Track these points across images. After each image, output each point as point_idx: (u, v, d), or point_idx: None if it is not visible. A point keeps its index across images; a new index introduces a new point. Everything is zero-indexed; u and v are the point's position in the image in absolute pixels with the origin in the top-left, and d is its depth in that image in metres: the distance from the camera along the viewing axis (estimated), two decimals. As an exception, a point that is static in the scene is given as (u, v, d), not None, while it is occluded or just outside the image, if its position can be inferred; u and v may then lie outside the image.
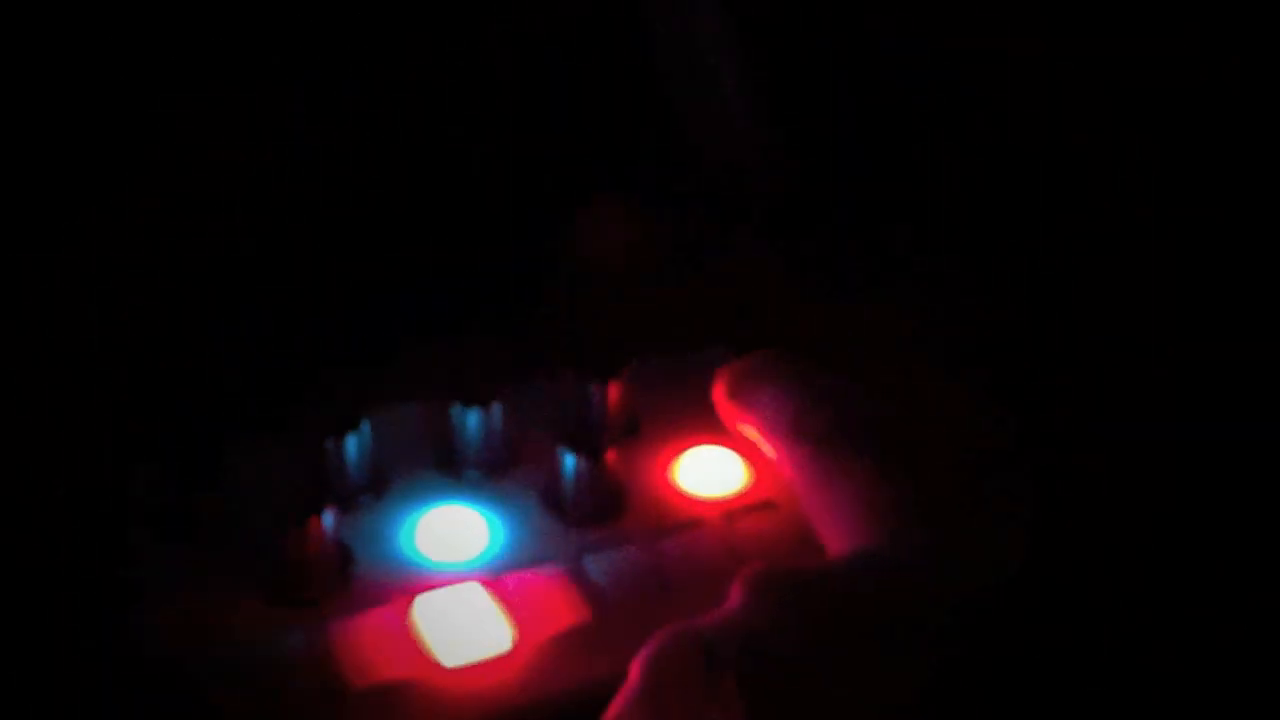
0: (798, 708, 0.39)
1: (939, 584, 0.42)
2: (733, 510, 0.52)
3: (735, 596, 0.42)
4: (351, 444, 0.51)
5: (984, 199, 0.82)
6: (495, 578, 0.48)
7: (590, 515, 0.51)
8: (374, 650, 0.46)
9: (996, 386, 0.72)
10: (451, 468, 0.53)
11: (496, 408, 0.53)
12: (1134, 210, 0.79)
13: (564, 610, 0.48)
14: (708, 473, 0.54)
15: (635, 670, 0.41)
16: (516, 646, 0.46)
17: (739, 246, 0.79)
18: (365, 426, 0.51)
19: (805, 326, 0.71)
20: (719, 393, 0.51)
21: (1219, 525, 0.66)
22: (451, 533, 0.50)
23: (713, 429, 0.53)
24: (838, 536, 0.44)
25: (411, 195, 0.74)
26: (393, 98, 0.75)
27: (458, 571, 0.49)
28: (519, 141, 0.78)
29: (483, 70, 0.78)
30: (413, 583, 0.48)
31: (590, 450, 0.51)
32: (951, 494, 0.45)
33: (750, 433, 0.50)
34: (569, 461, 0.51)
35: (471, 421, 0.53)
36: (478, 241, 0.71)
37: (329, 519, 0.47)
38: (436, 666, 0.45)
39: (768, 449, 0.49)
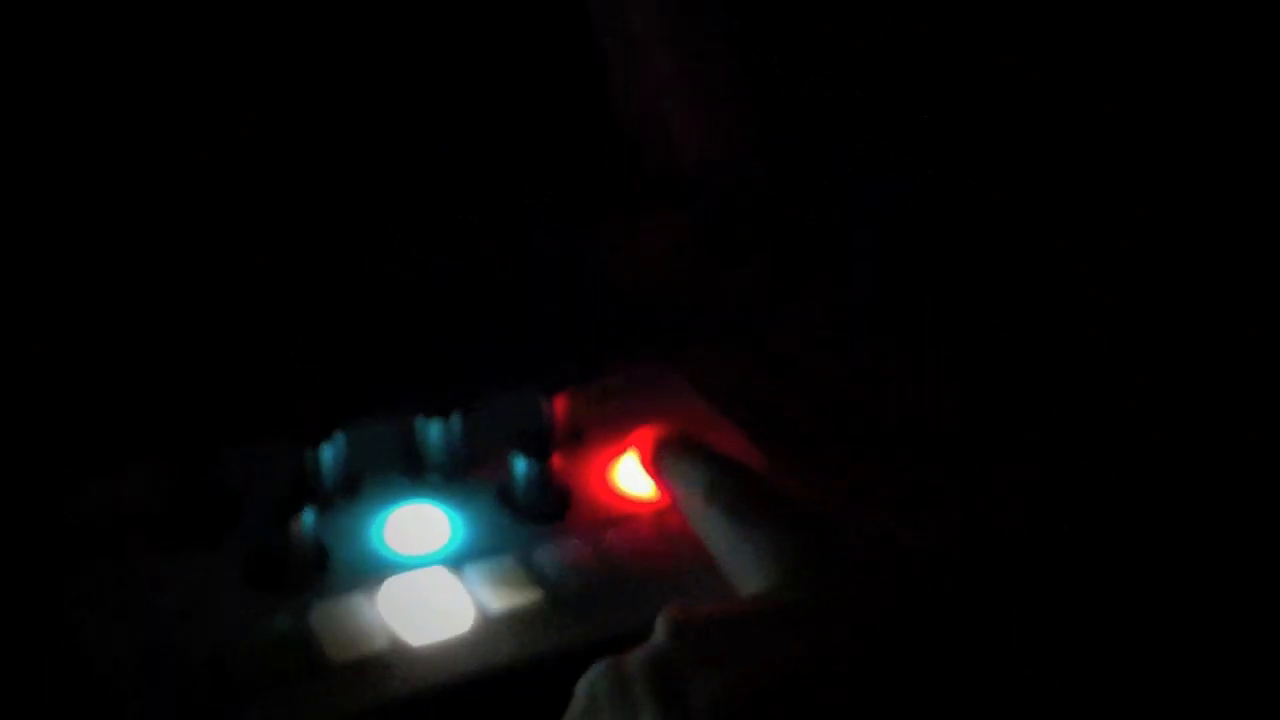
0: None
1: (829, 617, 0.45)
2: (662, 508, 0.59)
3: (657, 631, 0.46)
4: (327, 452, 0.57)
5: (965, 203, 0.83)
6: (456, 566, 0.55)
7: (540, 511, 0.58)
8: (348, 629, 0.52)
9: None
10: (416, 471, 0.60)
11: (456, 418, 0.60)
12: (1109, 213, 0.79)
13: (518, 593, 0.54)
14: (642, 475, 0.61)
15: (575, 691, 0.45)
16: (475, 625, 0.53)
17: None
18: (339, 437, 0.58)
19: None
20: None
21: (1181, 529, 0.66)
22: (417, 528, 0.57)
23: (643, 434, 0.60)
24: (744, 581, 0.50)
25: (379, 210, 0.79)
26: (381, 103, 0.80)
27: (422, 562, 0.55)
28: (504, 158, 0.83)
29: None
30: (381, 572, 0.55)
31: (540, 455, 0.58)
32: (832, 543, 0.49)
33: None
34: (521, 464, 0.58)
35: (434, 431, 0.59)
36: (446, 260, 0.76)
37: (309, 518, 0.54)
38: (405, 644, 0.52)
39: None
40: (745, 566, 0.50)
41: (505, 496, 0.59)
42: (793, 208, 0.86)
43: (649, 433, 0.59)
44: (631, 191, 0.84)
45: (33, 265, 0.71)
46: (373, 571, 0.55)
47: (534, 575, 0.55)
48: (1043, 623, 0.57)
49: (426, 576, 0.55)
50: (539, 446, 0.58)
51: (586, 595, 0.54)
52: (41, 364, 0.66)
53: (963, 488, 0.68)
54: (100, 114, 0.73)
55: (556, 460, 0.59)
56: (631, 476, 0.61)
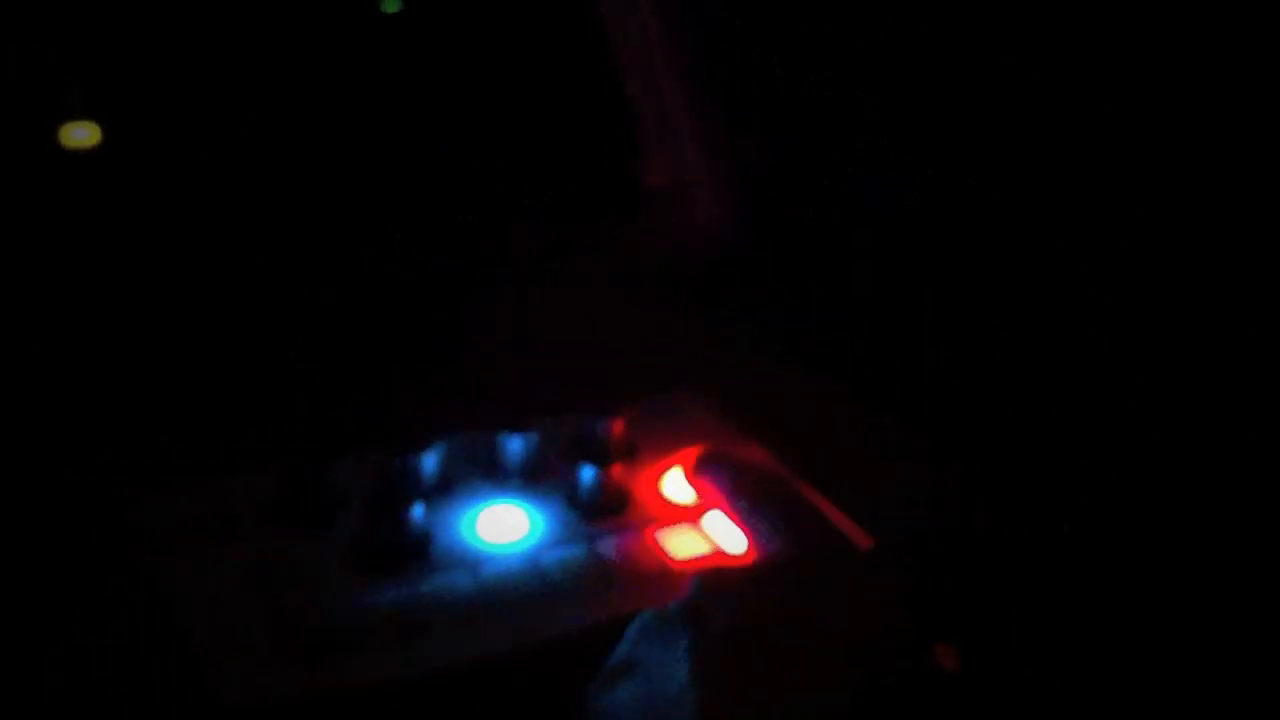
0: (733, 663, 0.56)
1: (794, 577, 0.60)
2: (700, 512, 0.71)
3: (691, 586, 0.60)
4: (429, 458, 0.70)
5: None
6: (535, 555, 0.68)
7: (601, 512, 0.71)
8: (451, 603, 0.64)
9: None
10: (500, 477, 0.72)
11: (533, 434, 0.72)
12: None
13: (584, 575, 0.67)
14: (684, 485, 0.73)
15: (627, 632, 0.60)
16: (549, 600, 0.65)
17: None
18: (439, 446, 0.70)
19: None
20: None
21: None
22: (501, 523, 0.69)
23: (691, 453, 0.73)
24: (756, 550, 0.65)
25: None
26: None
27: (507, 551, 0.68)
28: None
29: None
30: (474, 558, 0.67)
31: (602, 464, 0.70)
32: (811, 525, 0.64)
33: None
34: (587, 472, 0.70)
35: (514, 443, 0.72)
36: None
37: (419, 511, 0.66)
38: (496, 613, 0.64)
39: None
40: (755, 542, 0.64)
41: (572, 499, 0.71)
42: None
43: (691, 451, 0.72)
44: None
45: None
46: (466, 557, 0.67)
47: (598, 561, 0.68)
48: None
49: (512, 561, 0.67)
50: (601, 456, 0.71)
51: (640, 577, 0.67)
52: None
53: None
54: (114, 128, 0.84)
55: (615, 470, 0.71)
56: (676, 486, 0.73)
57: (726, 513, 0.68)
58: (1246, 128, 0.78)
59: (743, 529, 0.67)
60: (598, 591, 0.66)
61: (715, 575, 0.61)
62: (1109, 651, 0.64)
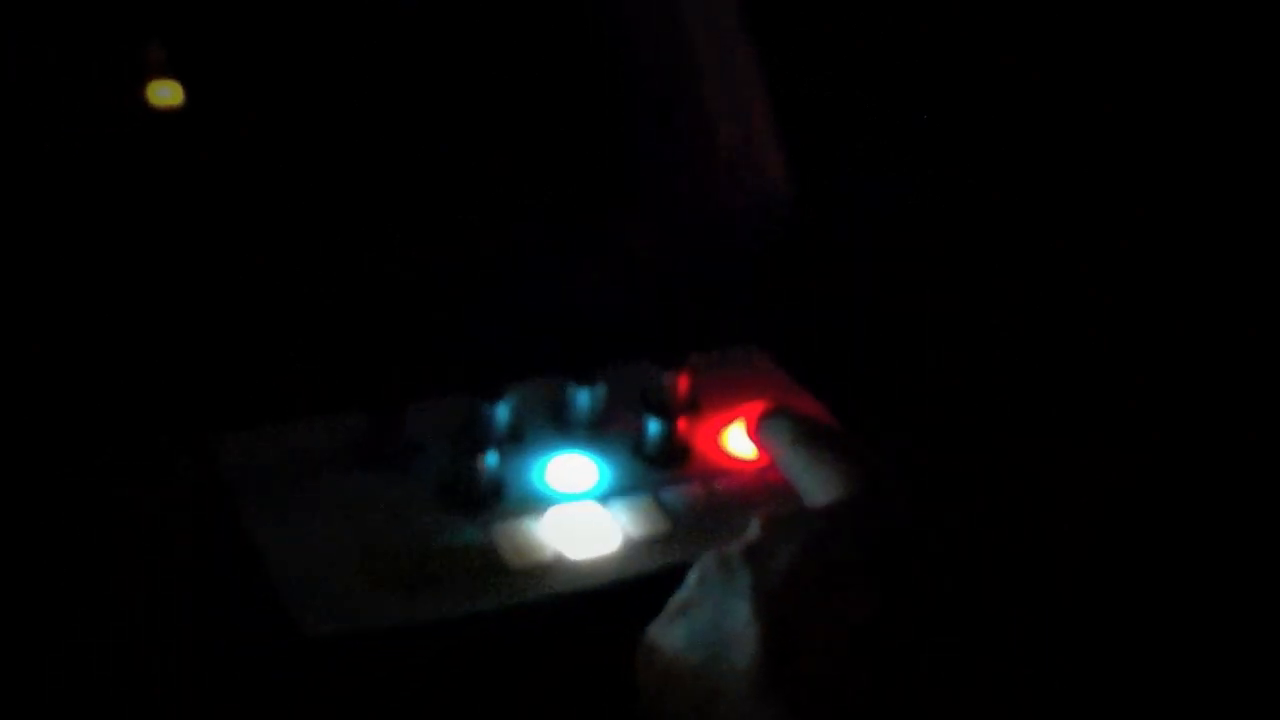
0: (791, 602, 0.58)
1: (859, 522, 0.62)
2: (760, 466, 0.74)
3: (751, 528, 0.62)
4: (502, 407, 0.73)
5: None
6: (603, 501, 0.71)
7: (666, 462, 0.74)
8: (522, 544, 0.68)
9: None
10: (568, 426, 0.75)
11: (600, 385, 0.75)
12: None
13: (651, 522, 0.70)
14: (744, 439, 0.76)
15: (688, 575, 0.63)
16: (618, 545, 0.68)
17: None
18: (510, 395, 0.74)
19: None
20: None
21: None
22: (571, 471, 0.72)
23: (750, 408, 0.76)
24: (814, 501, 0.66)
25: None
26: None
27: (576, 498, 0.71)
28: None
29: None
30: (545, 504, 0.70)
31: (667, 416, 0.73)
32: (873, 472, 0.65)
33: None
34: (653, 424, 0.73)
35: (582, 394, 0.75)
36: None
37: (493, 457, 0.70)
38: (565, 556, 0.67)
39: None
40: (816, 490, 0.66)
41: (639, 449, 0.74)
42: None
43: (754, 407, 0.75)
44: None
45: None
46: (538, 503, 0.70)
47: (662, 509, 0.71)
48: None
49: (581, 508, 0.70)
50: (666, 410, 0.74)
51: (702, 525, 0.70)
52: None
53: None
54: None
55: (680, 422, 0.74)
56: (737, 440, 0.76)
57: (784, 463, 0.71)
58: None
59: (798, 478, 0.69)
60: (660, 538, 0.69)
61: (774, 519, 0.63)
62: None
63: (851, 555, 0.60)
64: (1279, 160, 0.79)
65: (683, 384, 0.77)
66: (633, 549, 0.69)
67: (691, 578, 0.62)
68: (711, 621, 0.59)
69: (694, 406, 0.77)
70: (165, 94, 0.94)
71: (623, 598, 0.66)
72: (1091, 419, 0.78)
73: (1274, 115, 0.79)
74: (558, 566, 0.67)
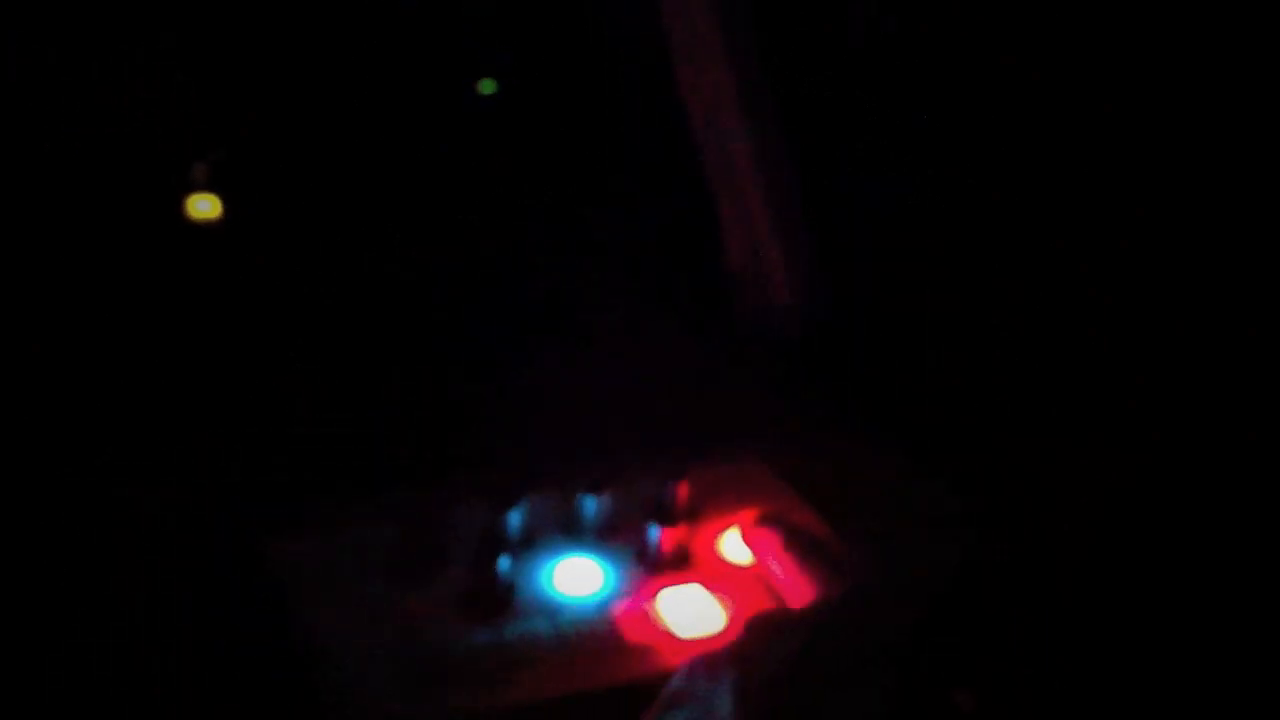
0: (775, 700, 0.63)
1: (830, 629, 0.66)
2: (754, 572, 0.80)
3: (739, 634, 0.67)
4: (514, 516, 0.79)
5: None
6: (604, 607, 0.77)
7: (665, 568, 0.79)
8: (533, 646, 0.74)
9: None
10: (576, 533, 0.81)
11: (606, 496, 0.81)
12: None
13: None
14: (740, 546, 0.81)
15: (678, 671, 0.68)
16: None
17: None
18: (523, 504, 0.80)
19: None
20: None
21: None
22: (577, 575, 0.78)
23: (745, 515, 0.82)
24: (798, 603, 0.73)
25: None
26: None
27: (581, 602, 0.77)
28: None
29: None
30: (552, 607, 0.76)
31: (669, 524, 0.79)
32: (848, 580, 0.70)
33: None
34: (654, 531, 0.79)
35: (589, 503, 0.81)
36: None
37: (505, 563, 0.76)
38: (570, 658, 0.73)
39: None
40: (799, 593, 0.73)
41: (641, 555, 0.80)
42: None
43: (747, 515, 0.81)
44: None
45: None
46: (547, 606, 0.76)
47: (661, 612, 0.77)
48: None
49: (586, 610, 0.76)
50: (668, 518, 0.80)
51: (699, 628, 0.76)
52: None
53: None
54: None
55: (679, 529, 0.80)
56: (733, 547, 0.82)
57: (774, 567, 0.77)
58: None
59: (788, 582, 0.75)
60: (661, 641, 0.75)
61: (762, 622, 0.69)
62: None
63: (831, 657, 0.65)
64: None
65: (682, 492, 0.82)
66: (634, 651, 0.74)
67: (682, 673, 0.67)
68: (698, 716, 0.64)
69: (693, 513, 0.83)
70: (205, 207, 1.01)
71: (623, 697, 0.72)
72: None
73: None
74: (563, 666, 0.73)
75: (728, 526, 0.82)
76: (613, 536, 0.81)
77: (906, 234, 0.91)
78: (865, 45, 0.93)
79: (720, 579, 0.80)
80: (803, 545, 0.77)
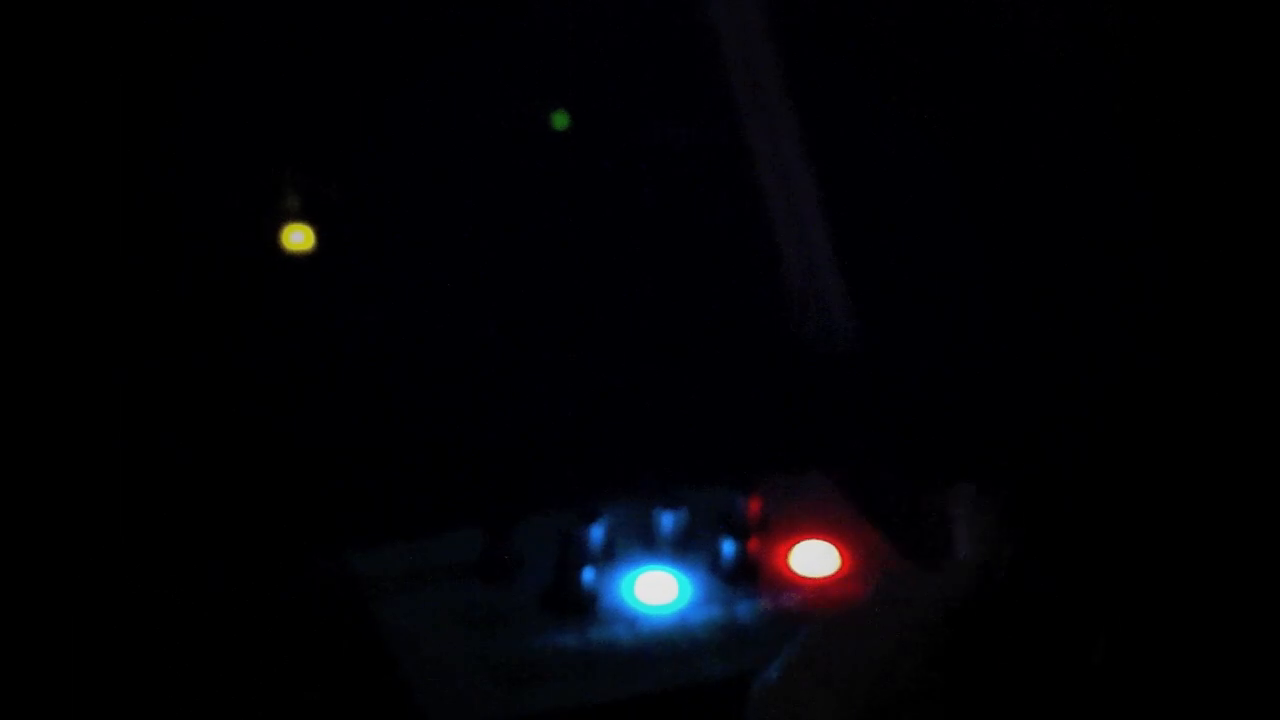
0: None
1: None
2: (822, 584, 0.84)
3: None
4: (596, 530, 0.84)
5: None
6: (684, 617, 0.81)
7: (738, 579, 0.84)
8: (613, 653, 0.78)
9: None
10: (654, 547, 0.86)
11: (683, 510, 0.86)
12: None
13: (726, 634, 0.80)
14: (810, 558, 0.86)
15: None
16: (692, 651, 0.79)
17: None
18: (604, 518, 0.84)
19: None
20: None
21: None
22: (654, 586, 0.83)
23: (812, 529, 0.86)
24: None
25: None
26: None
27: (660, 611, 0.81)
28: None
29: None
30: (631, 616, 0.81)
31: (742, 538, 0.84)
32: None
33: None
34: (728, 545, 0.84)
35: (667, 518, 0.86)
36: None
37: (589, 574, 0.80)
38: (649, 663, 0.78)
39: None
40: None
41: (715, 567, 0.84)
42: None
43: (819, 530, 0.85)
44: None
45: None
46: (627, 615, 0.81)
47: (735, 623, 0.81)
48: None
49: (664, 621, 0.81)
50: (740, 532, 0.84)
51: (773, 638, 0.80)
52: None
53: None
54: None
55: (752, 543, 0.84)
56: (801, 559, 0.86)
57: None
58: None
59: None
60: (734, 648, 0.79)
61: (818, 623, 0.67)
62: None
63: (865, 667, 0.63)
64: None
65: (755, 506, 0.87)
66: (708, 658, 0.78)
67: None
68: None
69: (765, 527, 0.87)
70: (298, 238, 1.06)
71: (699, 701, 0.76)
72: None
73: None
74: (642, 671, 0.77)
75: (798, 542, 0.87)
76: (688, 549, 0.85)
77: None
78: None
79: (792, 591, 0.84)
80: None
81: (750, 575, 0.84)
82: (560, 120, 1.17)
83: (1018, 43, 0.89)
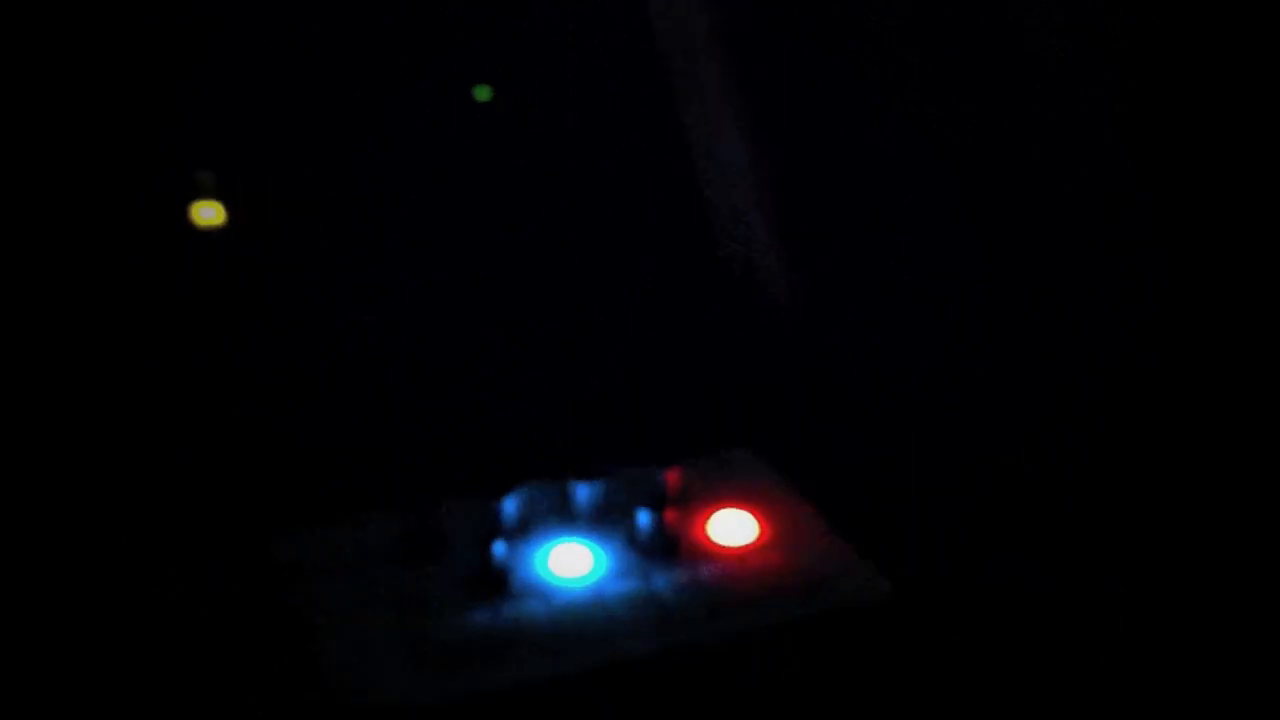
0: None
1: None
2: (742, 553, 0.83)
3: None
4: (510, 503, 0.82)
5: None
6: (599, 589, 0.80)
7: (656, 551, 0.82)
8: (527, 625, 0.77)
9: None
10: (570, 520, 0.84)
11: (599, 482, 0.84)
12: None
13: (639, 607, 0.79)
14: (728, 528, 0.85)
15: None
16: (607, 626, 0.77)
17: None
18: (520, 492, 0.83)
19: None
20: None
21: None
22: (570, 559, 0.81)
23: (734, 500, 0.85)
24: None
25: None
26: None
27: (574, 584, 0.80)
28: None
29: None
30: (545, 590, 0.79)
31: (658, 510, 0.82)
32: None
33: None
34: (644, 516, 0.82)
35: (583, 490, 0.84)
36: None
37: (500, 548, 0.79)
38: (566, 636, 0.76)
39: None
40: None
41: (632, 540, 0.83)
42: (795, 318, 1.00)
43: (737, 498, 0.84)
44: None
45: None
46: (540, 588, 0.79)
47: (651, 596, 0.79)
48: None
49: (579, 594, 0.79)
50: (658, 504, 0.83)
51: (689, 609, 0.79)
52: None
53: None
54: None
55: (669, 515, 0.83)
56: (719, 529, 0.85)
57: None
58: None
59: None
60: (651, 621, 0.78)
61: None
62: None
63: None
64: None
65: (673, 479, 0.86)
66: (625, 632, 0.77)
67: None
68: None
69: (684, 500, 0.86)
70: (209, 214, 1.04)
71: (615, 677, 0.75)
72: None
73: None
74: (558, 647, 0.76)
75: (716, 510, 0.85)
76: (604, 522, 0.84)
77: (911, 235, 0.94)
78: (860, 45, 0.96)
79: (711, 562, 0.82)
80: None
81: (668, 547, 0.83)
82: (483, 93, 1.16)
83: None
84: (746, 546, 0.83)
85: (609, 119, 1.09)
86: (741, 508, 0.85)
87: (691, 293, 1.05)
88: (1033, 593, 0.73)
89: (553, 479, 0.85)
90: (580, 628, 0.77)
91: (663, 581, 0.80)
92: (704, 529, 0.84)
